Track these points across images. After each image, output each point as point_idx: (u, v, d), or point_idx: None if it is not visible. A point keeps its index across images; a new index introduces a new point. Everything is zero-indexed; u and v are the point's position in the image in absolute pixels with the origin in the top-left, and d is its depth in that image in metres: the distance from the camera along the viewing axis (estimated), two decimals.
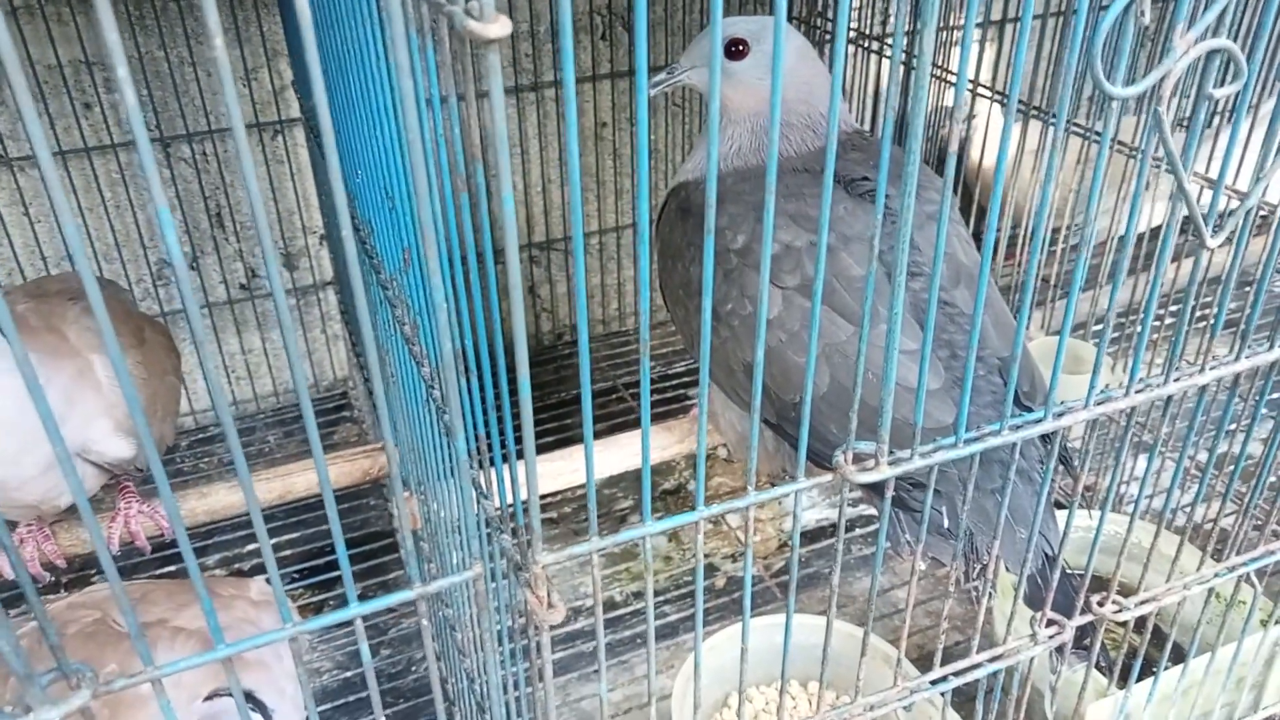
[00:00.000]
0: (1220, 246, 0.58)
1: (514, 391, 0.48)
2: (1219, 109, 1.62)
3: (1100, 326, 1.71)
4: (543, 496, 1.54)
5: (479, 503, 0.60)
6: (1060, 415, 0.60)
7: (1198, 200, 0.55)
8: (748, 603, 0.61)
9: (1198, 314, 1.39)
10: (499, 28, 0.35)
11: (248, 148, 0.35)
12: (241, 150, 0.35)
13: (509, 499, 0.56)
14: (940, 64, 1.55)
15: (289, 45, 1.46)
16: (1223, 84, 0.51)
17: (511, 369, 0.46)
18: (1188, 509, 0.82)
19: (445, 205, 0.51)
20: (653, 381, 1.85)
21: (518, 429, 0.49)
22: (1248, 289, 0.67)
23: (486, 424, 0.57)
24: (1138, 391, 0.62)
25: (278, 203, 1.64)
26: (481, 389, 0.56)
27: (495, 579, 0.66)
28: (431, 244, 0.39)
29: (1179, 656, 0.95)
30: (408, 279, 0.75)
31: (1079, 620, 0.74)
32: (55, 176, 0.32)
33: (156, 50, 1.45)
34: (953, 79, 1.54)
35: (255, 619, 1.00)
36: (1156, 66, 0.49)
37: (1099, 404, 0.61)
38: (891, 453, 0.57)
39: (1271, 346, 0.66)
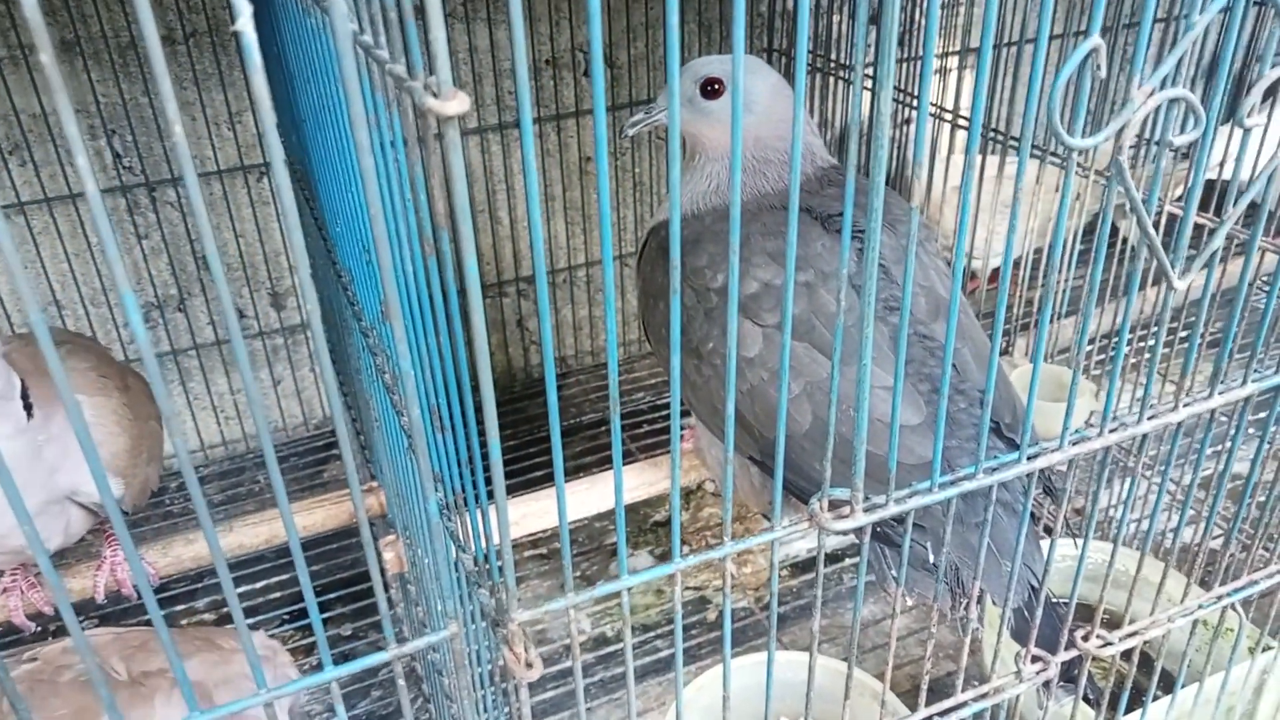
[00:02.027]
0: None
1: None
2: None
3: (1089, 347, 1.71)
4: (535, 533, 1.54)
5: (456, 556, 0.60)
6: (1034, 458, 0.60)
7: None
8: (728, 651, 0.61)
9: (1181, 335, 1.39)
10: (457, 105, 0.36)
11: (208, 220, 0.35)
12: (201, 219, 0.36)
13: (484, 553, 0.56)
14: (909, 90, 1.56)
15: (273, 92, 1.47)
16: (1182, 131, 0.51)
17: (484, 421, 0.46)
18: (1174, 534, 0.82)
19: (415, 264, 0.52)
20: (645, 412, 1.85)
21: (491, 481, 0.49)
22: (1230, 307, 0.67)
23: (461, 479, 0.57)
24: (1111, 431, 0.62)
25: (264, 243, 1.64)
26: (455, 445, 0.56)
27: (475, 621, 0.66)
28: (397, 317, 0.39)
29: (1168, 683, 0.94)
30: (386, 330, 0.75)
31: (1064, 656, 0.74)
32: (4, 227, 0.33)
33: (141, 96, 1.45)
34: (933, 109, 1.55)
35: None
36: (1116, 116, 0.50)
37: (1074, 444, 0.62)
38: (867, 499, 0.58)
39: (1245, 381, 0.67)
